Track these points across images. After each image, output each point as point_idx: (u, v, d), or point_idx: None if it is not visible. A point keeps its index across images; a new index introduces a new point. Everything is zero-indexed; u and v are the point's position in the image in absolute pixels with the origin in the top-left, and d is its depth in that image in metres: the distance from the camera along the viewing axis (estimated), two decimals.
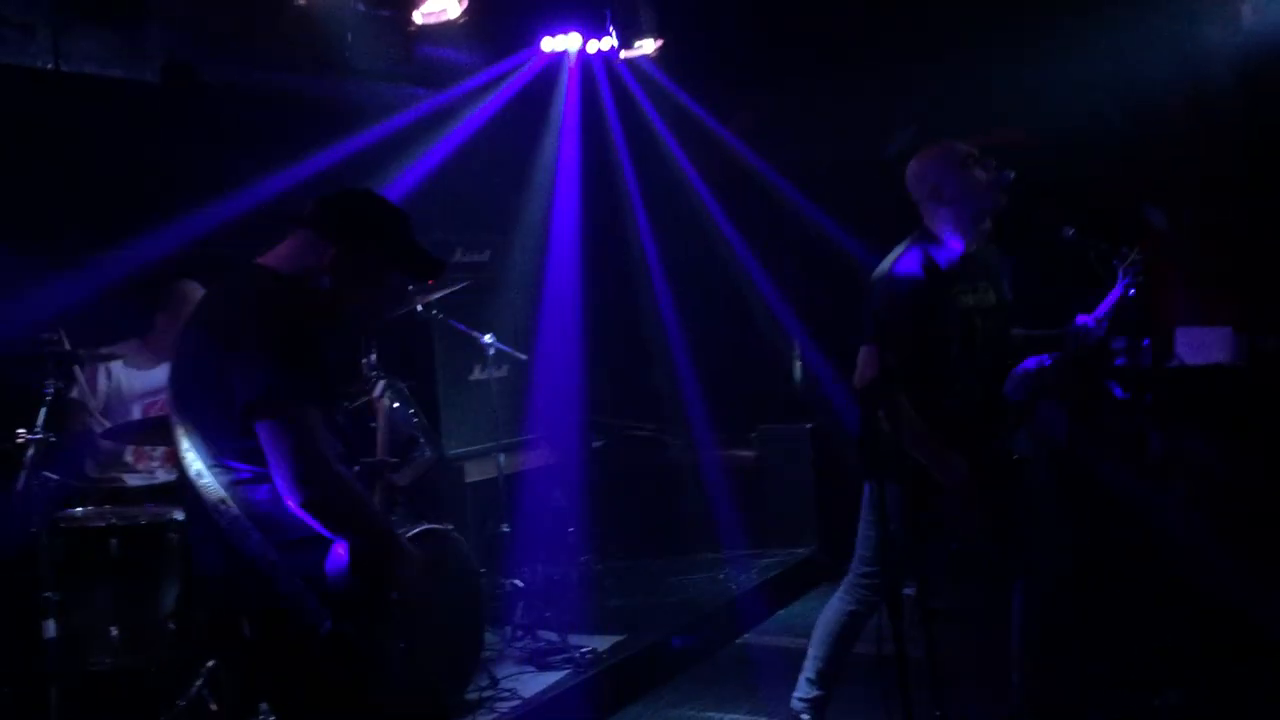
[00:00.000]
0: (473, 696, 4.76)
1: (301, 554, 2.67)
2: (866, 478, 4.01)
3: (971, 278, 4.04)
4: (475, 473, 6.66)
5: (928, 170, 4.06)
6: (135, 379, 5.02)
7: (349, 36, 6.08)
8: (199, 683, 4.35)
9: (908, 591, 4.94)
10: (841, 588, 4.24)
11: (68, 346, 4.34)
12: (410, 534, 4.46)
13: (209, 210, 5.16)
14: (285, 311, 2.71)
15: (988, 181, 4.00)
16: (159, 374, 5.09)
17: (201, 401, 2.74)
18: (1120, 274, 4.17)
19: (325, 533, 2.65)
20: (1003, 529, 4.05)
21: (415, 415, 5.20)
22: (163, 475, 4.93)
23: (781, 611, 6.56)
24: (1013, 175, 4.00)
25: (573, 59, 7.41)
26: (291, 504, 2.60)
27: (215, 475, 2.71)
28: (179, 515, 4.56)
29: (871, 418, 3.55)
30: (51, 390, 4.22)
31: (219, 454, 2.70)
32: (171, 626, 4.46)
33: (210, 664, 4.38)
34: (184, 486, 2.79)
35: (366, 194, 2.95)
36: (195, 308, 2.97)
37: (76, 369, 4.85)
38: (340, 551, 2.66)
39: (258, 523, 2.67)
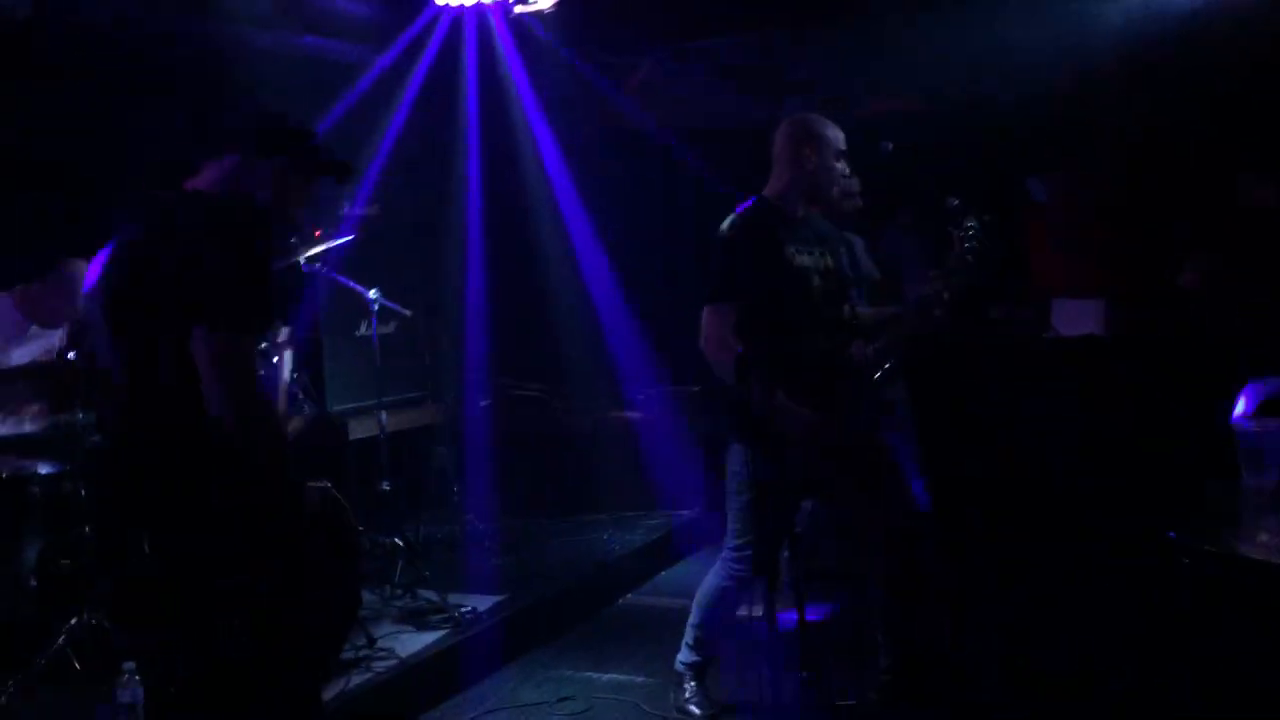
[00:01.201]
0: (349, 656, 4.70)
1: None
2: (724, 442, 4.07)
3: (805, 241, 4.12)
4: (358, 430, 6.58)
5: (799, 136, 4.14)
6: (14, 330, 4.85)
7: None
8: (61, 640, 4.24)
9: (784, 554, 5.01)
10: (717, 562, 4.28)
11: None
12: None
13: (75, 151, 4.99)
14: (243, 230, 2.76)
15: (837, 176, 4.13)
16: (33, 335, 4.94)
17: (142, 319, 2.77)
18: (956, 238, 4.23)
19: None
20: (864, 487, 4.10)
21: (295, 370, 5.11)
22: (30, 426, 4.78)
23: (664, 573, 6.61)
24: (890, 146, 4.07)
25: (468, 11, 7.29)
26: (222, 419, 2.62)
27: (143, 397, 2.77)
28: (42, 469, 4.44)
29: (720, 382, 3.59)
30: None
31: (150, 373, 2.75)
32: (33, 584, 4.34)
33: (73, 621, 4.27)
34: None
35: (280, 113, 3.07)
36: (125, 236, 2.92)
37: None
38: None
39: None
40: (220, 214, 2.80)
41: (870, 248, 5.89)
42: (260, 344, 2.91)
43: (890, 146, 4.18)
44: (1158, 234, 6.74)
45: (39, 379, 4.50)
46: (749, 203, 4.15)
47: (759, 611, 3.42)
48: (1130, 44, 6.50)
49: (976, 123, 6.92)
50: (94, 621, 4.30)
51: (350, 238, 5.63)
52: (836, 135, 4.16)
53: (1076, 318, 6.78)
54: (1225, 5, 6.22)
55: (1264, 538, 2.89)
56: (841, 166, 4.14)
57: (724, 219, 4.11)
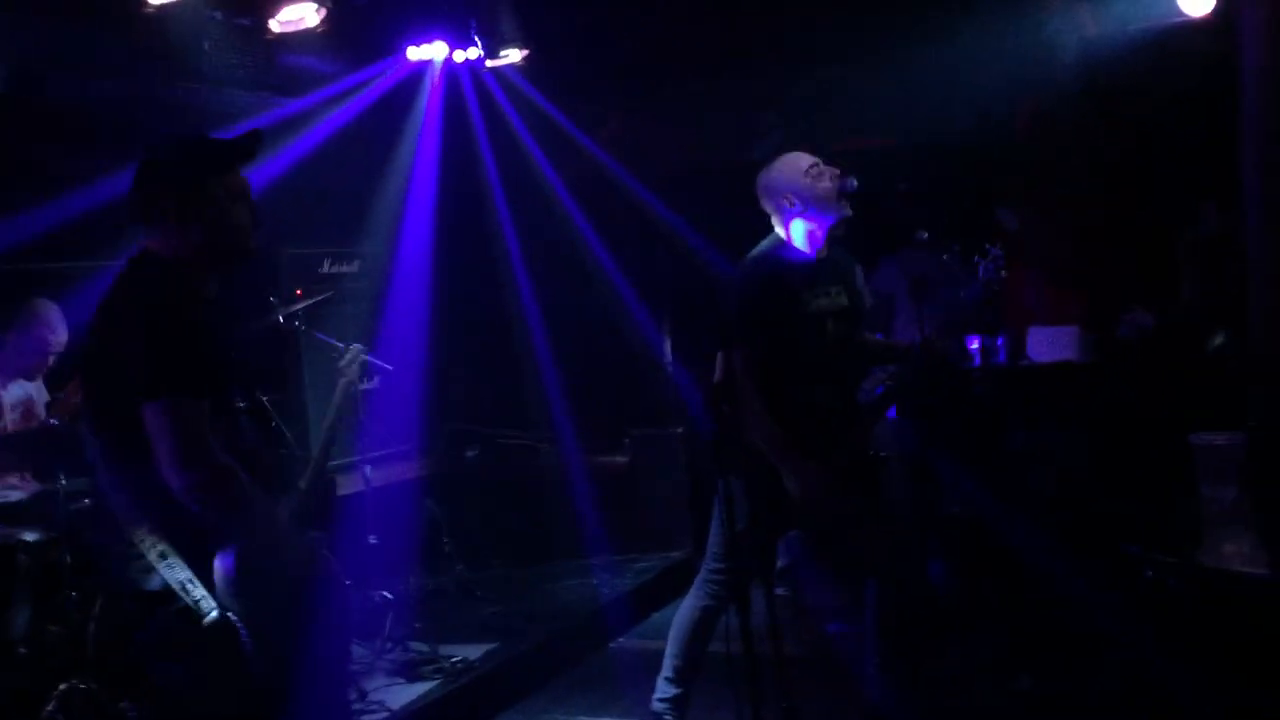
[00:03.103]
0: None
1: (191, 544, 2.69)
2: (717, 475, 4.10)
3: (823, 282, 4.16)
4: (345, 485, 6.59)
5: (776, 181, 4.20)
6: None
7: (206, 45, 5.98)
8: (52, 706, 4.24)
9: (779, 591, 5.05)
10: (694, 585, 4.31)
11: None
12: None
13: (54, 214, 5.06)
14: (161, 298, 2.74)
15: (832, 190, 4.12)
16: (14, 390, 4.99)
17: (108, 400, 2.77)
18: (981, 270, 4.32)
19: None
20: (856, 526, 4.14)
21: (282, 427, 5.17)
22: (15, 495, 4.81)
23: (655, 615, 6.60)
24: (855, 183, 4.13)
25: (438, 68, 7.39)
26: (175, 489, 2.61)
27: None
28: (30, 536, 4.46)
29: (720, 415, 3.64)
30: None
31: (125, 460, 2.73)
32: (22, 651, 4.36)
33: (63, 687, 4.28)
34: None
35: (147, 150, 2.96)
36: (97, 305, 2.94)
37: None
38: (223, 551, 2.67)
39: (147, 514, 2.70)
40: (128, 283, 2.81)
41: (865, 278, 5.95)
42: (231, 404, 2.87)
43: (854, 183, 4.24)
44: (1129, 257, 6.84)
45: (22, 448, 4.53)
46: (767, 245, 4.19)
47: (735, 646, 3.44)
48: (1088, 70, 6.62)
49: (945, 156, 7.03)
50: (84, 686, 4.31)
51: (329, 295, 5.69)
52: (800, 162, 4.16)
53: (1053, 345, 6.87)
54: (1176, 28, 6.34)
55: (1228, 548, 2.95)
56: (824, 177, 4.12)
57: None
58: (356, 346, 3.77)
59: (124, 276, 2.86)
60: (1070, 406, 5.98)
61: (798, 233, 4.18)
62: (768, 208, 4.24)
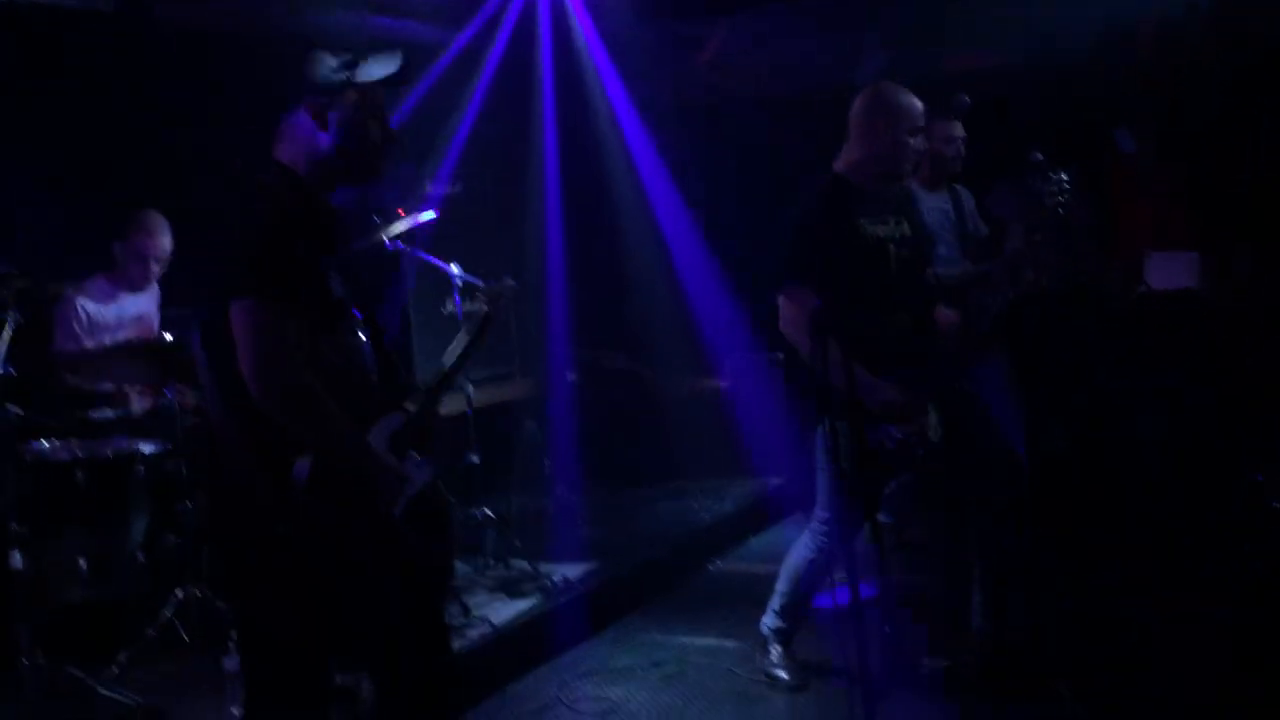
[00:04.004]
0: None
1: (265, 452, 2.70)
2: (812, 421, 4.04)
3: (879, 211, 4.06)
4: (448, 405, 6.66)
5: (874, 108, 4.07)
6: (102, 312, 5.01)
7: None
8: (169, 612, 4.39)
9: (882, 518, 4.99)
10: (805, 532, 4.27)
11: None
12: None
13: (164, 140, 5.13)
14: (269, 204, 2.75)
15: (911, 151, 4.03)
16: (127, 304, 5.10)
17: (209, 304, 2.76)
18: (1046, 193, 4.16)
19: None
20: (953, 458, 4.06)
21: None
22: (137, 407, 4.94)
23: (752, 539, 6.62)
24: (967, 100, 4.00)
25: None
26: (253, 395, 2.62)
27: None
28: (146, 448, 4.59)
29: (804, 363, 3.57)
30: (11, 323, 4.19)
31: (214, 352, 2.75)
32: (140, 558, 4.50)
33: (180, 594, 4.42)
34: None
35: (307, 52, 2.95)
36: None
37: (60, 310, 4.86)
38: (303, 459, 2.67)
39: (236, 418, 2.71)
40: (246, 191, 2.83)
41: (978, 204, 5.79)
42: (332, 321, 2.80)
43: (968, 100, 4.11)
44: (1252, 181, 6.55)
45: (137, 357, 4.62)
46: (820, 180, 4.10)
47: (845, 577, 3.41)
48: None
49: (1060, 76, 6.77)
50: (199, 594, 4.45)
51: (434, 215, 5.70)
52: (913, 107, 4.05)
53: (1170, 271, 6.64)
54: None
55: None
56: (917, 141, 4.05)
57: (803, 189, 4.08)
58: (506, 281, 3.64)
59: (245, 188, 2.87)
60: (1188, 340, 5.78)
61: (860, 162, 4.08)
62: (855, 121, 4.11)
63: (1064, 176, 4.11)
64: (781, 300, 3.97)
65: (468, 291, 6.13)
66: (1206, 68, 6.76)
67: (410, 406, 3.03)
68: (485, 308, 3.37)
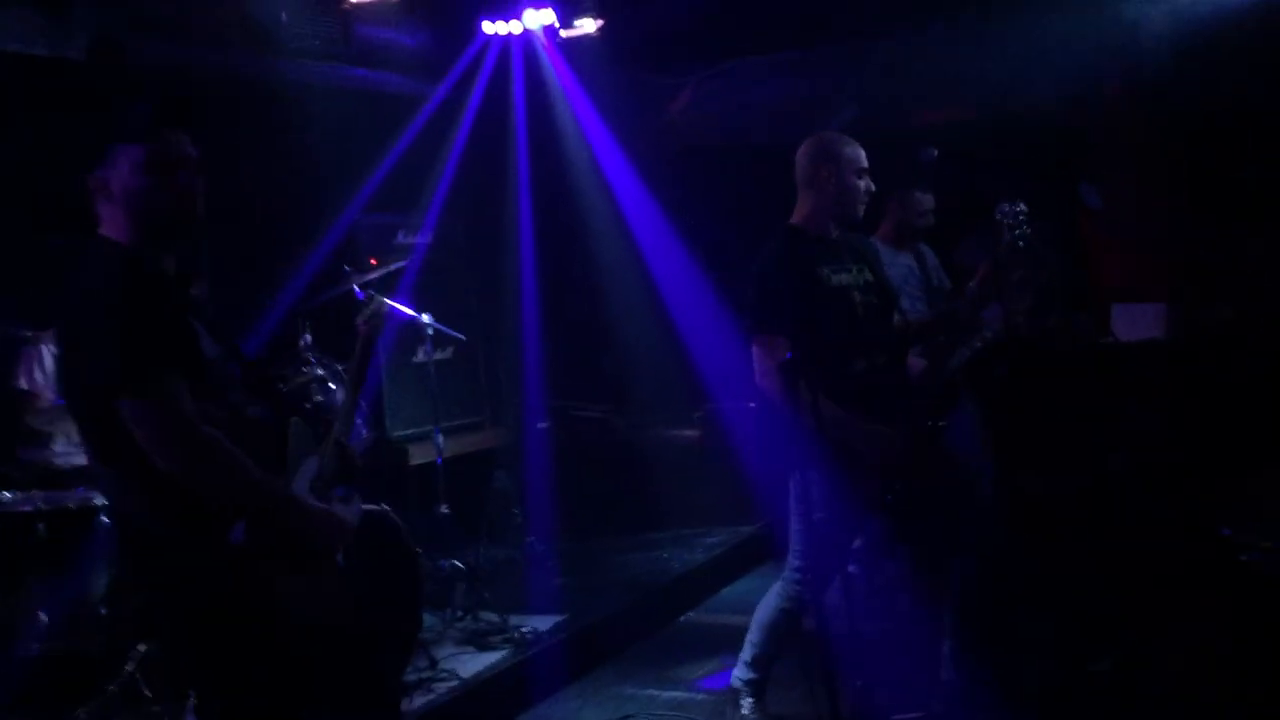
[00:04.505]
0: (411, 678, 4.74)
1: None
2: (788, 469, 4.04)
3: (840, 259, 4.11)
4: (419, 455, 6.64)
5: (817, 157, 4.13)
6: None
7: (284, 16, 6.02)
8: (130, 667, 4.32)
9: (851, 569, 4.97)
10: (779, 581, 4.25)
11: None
12: None
13: None
14: (110, 278, 2.63)
15: (862, 194, 4.10)
16: None
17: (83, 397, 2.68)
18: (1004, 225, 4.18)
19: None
20: (929, 501, 4.06)
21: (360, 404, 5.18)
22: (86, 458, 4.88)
23: (725, 590, 6.58)
24: (935, 153, 4.05)
25: (515, 39, 7.39)
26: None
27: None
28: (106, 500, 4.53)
29: (780, 411, 3.58)
30: None
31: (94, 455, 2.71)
32: (102, 611, 4.43)
33: (142, 648, 4.35)
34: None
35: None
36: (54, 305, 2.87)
37: (26, 351, 4.82)
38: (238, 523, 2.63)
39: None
40: (76, 274, 2.69)
41: (944, 260, 5.84)
42: (220, 377, 2.73)
43: (934, 153, 4.15)
44: (1217, 233, 6.63)
45: None
46: (778, 233, 4.14)
47: (817, 628, 3.39)
48: (1180, 36, 6.41)
49: (1027, 130, 6.86)
50: (161, 648, 4.38)
51: (404, 265, 5.70)
52: (855, 153, 4.12)
53: (1137, 322, 6.68)
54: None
55: None
56: (865, 184, 4.11)
57: (763, 242, 4.12)
58: (379, 298, 3.62)
59: (74, 269, 2.73)
60: (1157, 385, 5.81)
61: (815, 210, 4.13)
62: (801, 171, 4.16)
63: (1022, 206, 4.14)
64: (754, 350, 3.98)
65: (440, 341, 6.13)
66: (1169, 121, 6.86)
67: (331, 439, 2.99)
68: (362, 328, 3.34)
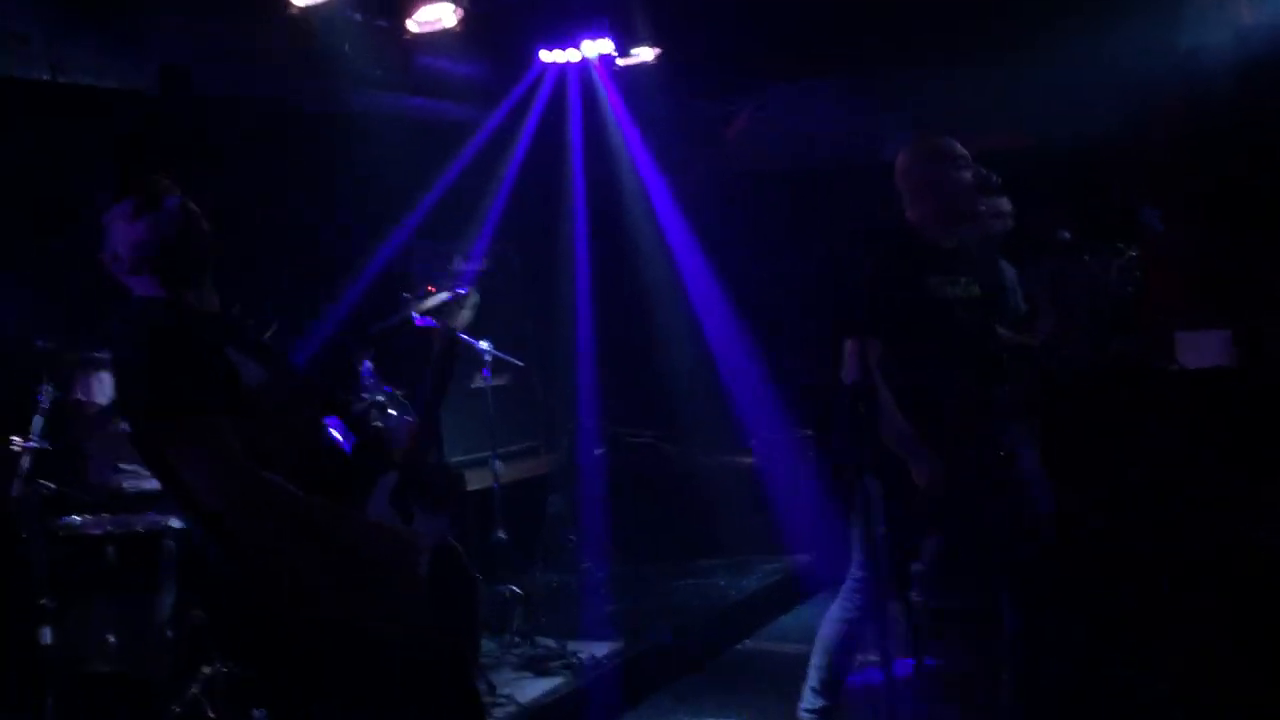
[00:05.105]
0: None
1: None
2: (853, 476, 4.02)
3: (952, 270, 4.05)
4: (475, 480, 6.66)
5: (917, 165, 4.10)
6: None
7: (346, 46, 6.11)
8: (195, 689, 4.36)
9: (914, 596, 4.93)
10: (839, 595, 4.22)
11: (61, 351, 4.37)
12: None
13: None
14: (140, 327, 2.72)
15: (972, 185, 4.03)
16: None
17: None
18: (1115, 272, 4.19)
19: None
20: (990, 527, 4.03)
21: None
22: (155, 482, 4.93)
23: (782, 617, 6.56)
24: (998, 179, 4.02)
25: (572, 68, 7.45)
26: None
27: None
28: (176, 523, 4.58)
29: (855, 413, 3.56)
30: (46, 399, 4.23)
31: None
32: (169, 634, 4.47)
33: (207, 670, 4.39)
34: None
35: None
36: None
37: (78, 373, 4.88)
38: None
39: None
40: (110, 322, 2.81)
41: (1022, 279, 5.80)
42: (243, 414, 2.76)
43: (997, 180, 4.13)
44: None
45: None
46: (892, 232, 4.12)
47: (875, 657, 3.36)
48: (1243, 62, 6.34)
49: (1087, 155, 6.81)
50: (226, 670, 4.42)
51: (463, 292, 5.74)
52: (953, 145, 4.08)
53: (1202, 350, 6.60)
54: None
55: None
56: (967, 174, 4.04)
57: (860, 252, 4.09)
58: (453, 316, 3.55)
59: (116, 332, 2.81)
60: (1223, 413, 5.74)
61: (928, 219, 4.08)
62: (902, 187, 4.14)
63: (1133, 253, 4.14)
64: (847, 349, 3.96)
65: (498, 367, 6.17)
66: (1232, 146, 6.78)
67: (401, 460, 2.99)
68: (445, 324, 3.33)
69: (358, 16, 6.07)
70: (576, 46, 7.05)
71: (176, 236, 2.79)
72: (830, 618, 4.22)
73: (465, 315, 3.42)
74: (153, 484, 4.84)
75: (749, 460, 7.75)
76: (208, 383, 2.62)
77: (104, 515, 4.54)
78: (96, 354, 4.73)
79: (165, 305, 2.76)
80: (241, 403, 2.65)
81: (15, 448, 4.18)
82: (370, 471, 2.89)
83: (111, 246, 2.80)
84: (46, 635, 4.04)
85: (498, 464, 5.97)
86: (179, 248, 2.79)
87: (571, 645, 5.44)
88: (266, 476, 2.59)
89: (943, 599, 5.06)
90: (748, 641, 6.19)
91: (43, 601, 4.08)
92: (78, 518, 4.48)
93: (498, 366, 6.14)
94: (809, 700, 4.27)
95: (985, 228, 4.17)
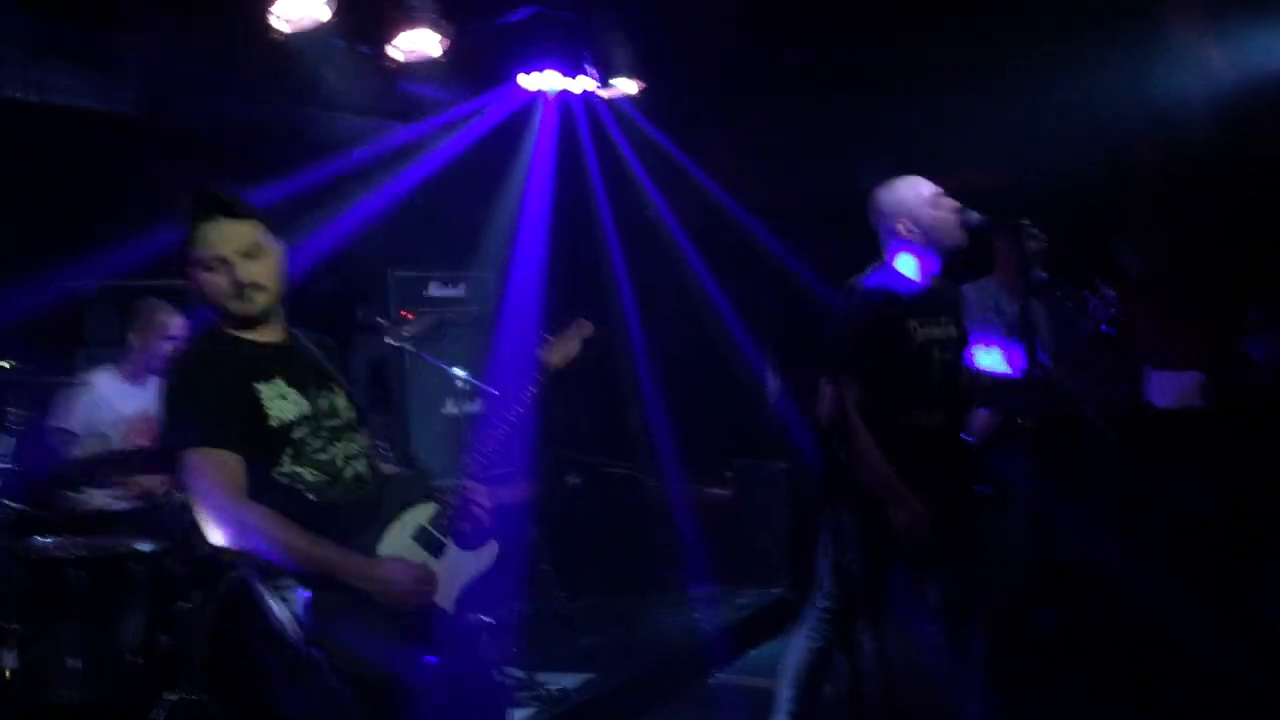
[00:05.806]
0: None
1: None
2: (824, 509, 4.03)
3: (930, 311, 4.08)
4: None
5: (891, 203, 4.11)
6: (116, 400, 5.01)
7: (328, 72, 6.12)
8: (160, 716, 4.30)
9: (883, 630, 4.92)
10: (803, 624, 4.22)
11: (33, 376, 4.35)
12: None
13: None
14: (173, 360, 2.90)
15: (949, 220, 4.04)
16: (139, 397, 5.08)
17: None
18: (1091, 308, 4.23)
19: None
20: (959, 564, 4.04)
21: (384, 449, 5.19)
22: (121, 504, 4.89)
23: (754, 651, 6.52)
24: (977, 218, 4.05)
25: (550, 97, 7.46)
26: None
27: None
28: (143, 546, 4.55)
29: (830, 449, 3.59)
30: (14, 419, 4.20)
31: None
32: (135, 660, 4.43)
33: (172, 698, 4.34)
34: None
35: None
36: None
37: (54, 397, 4.86)
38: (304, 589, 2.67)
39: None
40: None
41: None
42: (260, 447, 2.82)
43: (977, 217, 4.15)
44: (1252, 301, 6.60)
45: (131, 465, 4.63)
46: (871, 275, 4.12)
47: (843, 688, 3.36)
48: (1218, 106, 6.41)
49: (1062, 193, 6.86)
50: (193, 697, 4.37)
51: (437, 318, 5.74)
52: (921, 185, 4.08)
53: (1173, 390, 6.65)
54: None
55: None
56: (943, 211, 4.03)
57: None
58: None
59: None
60: (1193, 452, 5.77)
61: (907, 260, 4.10)
62: (878, 226, 4.15)
63: (1111, 292, 4.19)
64: (824, 388, 3.99)
65: (471, 394, 6.16)
66: (1207, 188, 6.85)
67: (442, 494, 3.00)
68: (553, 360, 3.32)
69: (341, 43, 6.08)
70: (561, 74, 7.07)
71: (227, 292, 2.86)
72: (795, 647, 4.22)
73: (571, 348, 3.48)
74: (121, 505, 4.84)
75: (725, 492, 7.74)
76: (213, 418, 2.69)
77: (73, 538, 4.50)
78: (69, 379, 4.71)
79: (208, 336, 2.88)
80: (264, 435, 2.73)
81: None
82: (398, 504, 2.93)
83: (188, 275, 2.89)
84: (10, 660, 3.99)
85: None
86: (229, 302, 2.87)
87: (542, 676, 5.39)
88: (260, 509, 2.66)
89: (912, 629, 5.08)
90: (720, 674, 6.15)
91: (7, 625, 4.03)
92: (43, 540, 4.44)
93: (471, 393, 6.12)
94: None
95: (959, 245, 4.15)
